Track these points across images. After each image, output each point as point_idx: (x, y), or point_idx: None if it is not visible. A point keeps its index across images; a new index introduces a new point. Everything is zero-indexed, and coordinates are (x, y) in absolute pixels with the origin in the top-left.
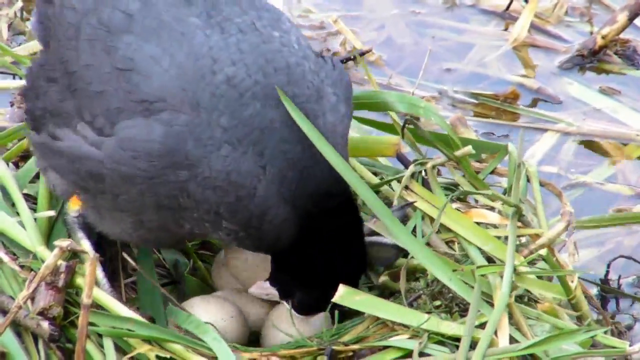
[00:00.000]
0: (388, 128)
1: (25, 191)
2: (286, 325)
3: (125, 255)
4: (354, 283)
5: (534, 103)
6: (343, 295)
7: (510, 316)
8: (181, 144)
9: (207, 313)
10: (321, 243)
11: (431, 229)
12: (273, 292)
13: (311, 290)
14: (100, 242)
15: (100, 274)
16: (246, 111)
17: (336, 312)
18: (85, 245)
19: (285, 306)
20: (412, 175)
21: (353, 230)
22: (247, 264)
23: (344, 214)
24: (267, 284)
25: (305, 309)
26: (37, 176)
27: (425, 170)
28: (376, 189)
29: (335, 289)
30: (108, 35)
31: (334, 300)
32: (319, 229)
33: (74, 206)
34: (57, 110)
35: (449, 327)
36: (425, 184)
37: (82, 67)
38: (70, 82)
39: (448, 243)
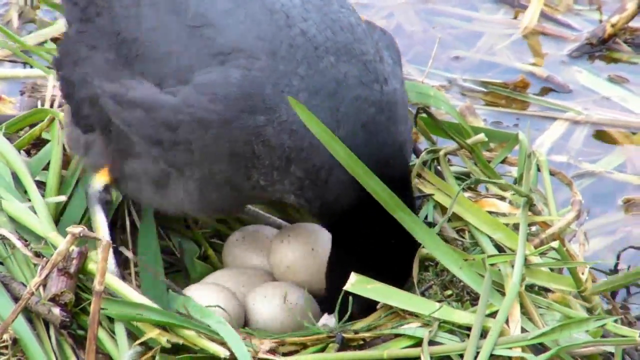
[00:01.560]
0: None
1: (37, 178)
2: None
3: (123, 248)
4: (405, 273)
5: (543, 92)
6: (355, 283)
7: (521, 306)
8: (259, 88)
9: (206, 298)
10: (376, 221)
11: (442, 217)
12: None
13: (367, 271)
14: (113, 227)
15: (111, 260)
16: (322, 63)
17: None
18: (100, 221)
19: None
20: (425, 164)
21: (407, 203)
22: (287, 259)
23: (400, 190)
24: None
25: (364, 309)
26: (49, 164)
27: (437, 159)
28: None
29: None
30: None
31: (345, 288)
32: (375, 202)
33: (101, 179)
34: (105, 73)
35: (460, 316)
36: (438, 173)
37: (147, 31)
38: (129, 51)
39: (459, 232)
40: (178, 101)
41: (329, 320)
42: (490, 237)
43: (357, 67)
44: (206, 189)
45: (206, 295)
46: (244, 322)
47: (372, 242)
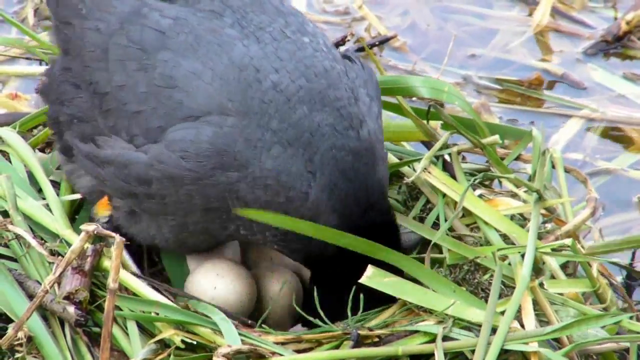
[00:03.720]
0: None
1: (51, 178)
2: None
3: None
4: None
5: (558, 89)
6: (371, 276)
7: (535, 302)
8: (230, 144)
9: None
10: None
11: (454, 213)
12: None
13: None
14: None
15: (126, 255)
16: (295, 114)
17: (361, 295)
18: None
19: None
20: (437, 159)
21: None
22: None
23: (387, 233)
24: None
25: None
26: None
27: (450, 155)
28: (396, 170)
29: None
30: (142, 53)
31: (361, 281)
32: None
33: (103, 210)
34: (86, 118)
35: (474, 312)
36: (450, 168)
37: (115, 88)
38: (101, 103)
39: (472, 230)
40: (150, 158)
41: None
42: (502, 234)
43: (332, 115)
44: (181, 235)
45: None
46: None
47: (350, 280)
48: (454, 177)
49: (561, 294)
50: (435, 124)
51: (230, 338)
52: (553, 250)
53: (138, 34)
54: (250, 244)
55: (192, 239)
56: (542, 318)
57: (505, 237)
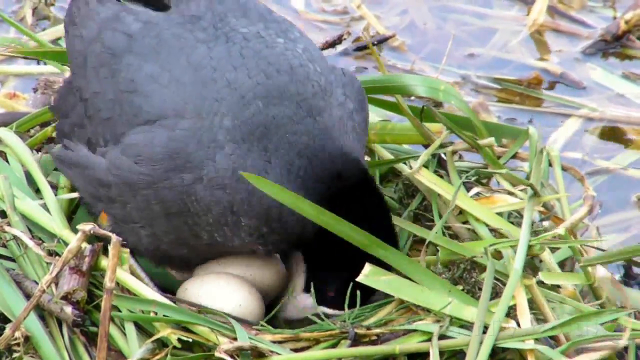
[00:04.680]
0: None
1: (49, 178)
2: None
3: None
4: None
5: (557, 88)
6: (368, 274)
7: (532, 301)
8: (182, 147)
9: (222, 295)
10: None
11: (447, 212)
12: (308, 306)
13: (349, 276)
14: None
15: (134, 263)
16: (247, 110)
17: (358, 292)
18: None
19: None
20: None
21: (375, 207)
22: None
23: (364, 194)
24: (302, 297)
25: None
26: None
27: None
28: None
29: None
30: (112, 58)
31: (358, 279)
32: (340, 211)
33: (103, 221)
34: (82, 125)
35: (470, 311)
36: (446, 167)
37: (92, 95)
38: (85, 108)
39: (469, 230)
40: (107, 163)
41: (307, 300)
42: (498, 233)
43: (290, 107)
44: (160, 248)
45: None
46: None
47: (347, 250)
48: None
49: (558, 287)
50: (441, 126)
51: (240, 333)
52: (545, 243)
53: (110, 38)
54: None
55: (173, 252)
56: (539, 316)
57: (501, 236)
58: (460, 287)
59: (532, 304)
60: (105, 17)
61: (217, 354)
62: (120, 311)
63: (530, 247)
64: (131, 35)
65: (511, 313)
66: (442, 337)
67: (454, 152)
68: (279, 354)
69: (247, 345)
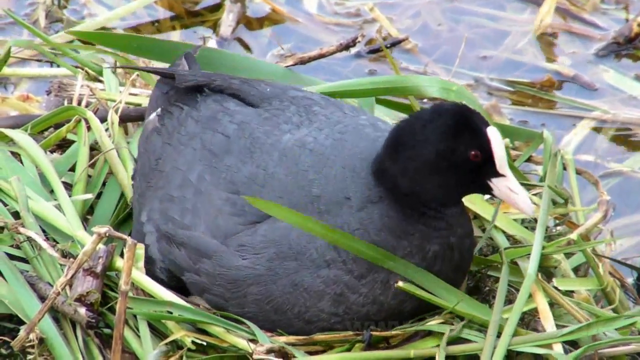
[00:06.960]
0: None
1: (63, 180)
2: None
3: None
4: None
5: (570, 91)
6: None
7: (552, 305)
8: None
9: None
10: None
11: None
12: None
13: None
14: None
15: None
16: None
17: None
18: None
19: None
20: None
21: None
22: None
23: None
24: None
25: None
26: (74, 165)
27: None
28: None
29: None
30: (213, 156)
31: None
32: None
33: None
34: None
35: (485, 314)
36: None
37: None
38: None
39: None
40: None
41: None
42: (510, 237)
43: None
44: None
45: None
46: None
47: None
48: None
49: (571, 292)
50: None
51: (260, 336)
52: (560, 247)
53: (209, 139)
54: None
55: None
56: (557, 322)
57: (515, 242)
58: (475, 297)
59: (552, 307)
60: (206, 115)
61: (255, 357)
62: (134, 313)
63: (543, 255)
64: (228, 137)
65: (526, 318)
66: (457, 340)
67: None
68: (295, 357)
69: (277, 347)
